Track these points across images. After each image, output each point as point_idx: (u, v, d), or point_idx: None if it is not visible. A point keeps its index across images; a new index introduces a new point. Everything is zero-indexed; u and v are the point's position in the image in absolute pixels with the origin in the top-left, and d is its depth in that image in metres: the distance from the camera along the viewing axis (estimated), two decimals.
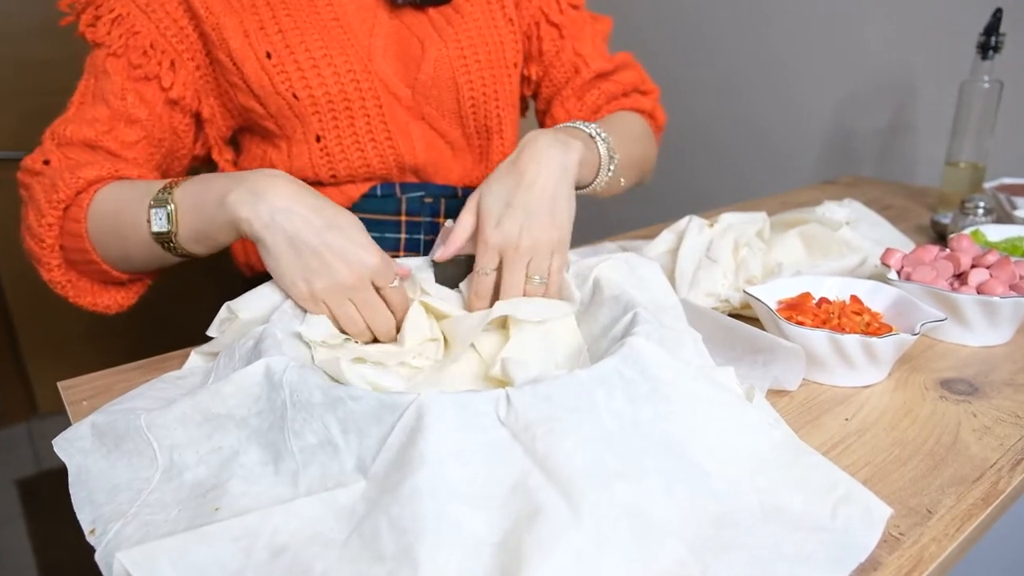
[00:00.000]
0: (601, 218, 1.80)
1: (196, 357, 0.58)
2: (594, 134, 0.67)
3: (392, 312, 0.56)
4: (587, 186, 0.68)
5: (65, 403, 0.53)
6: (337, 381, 0.45)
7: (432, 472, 0.37)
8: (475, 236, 0.59)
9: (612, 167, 0.69)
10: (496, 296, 0.58)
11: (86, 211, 0.60)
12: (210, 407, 0.44)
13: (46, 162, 0.63)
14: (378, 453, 0.40)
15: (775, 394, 0.54)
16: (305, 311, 0.54)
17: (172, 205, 0.56)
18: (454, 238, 0.60)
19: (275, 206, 0.52)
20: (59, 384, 0.56)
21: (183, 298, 1.48)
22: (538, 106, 0.91)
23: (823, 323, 0.57)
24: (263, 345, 0.48)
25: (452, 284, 0.62)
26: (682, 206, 1.27)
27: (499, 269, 0.58)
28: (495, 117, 0.82)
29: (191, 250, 0.58)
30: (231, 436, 0.44)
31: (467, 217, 0.59)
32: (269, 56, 0.69)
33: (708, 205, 1.44)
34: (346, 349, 0.55)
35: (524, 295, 0.57)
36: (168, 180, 0.59)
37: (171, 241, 0.57)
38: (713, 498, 0.40)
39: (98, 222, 0.60)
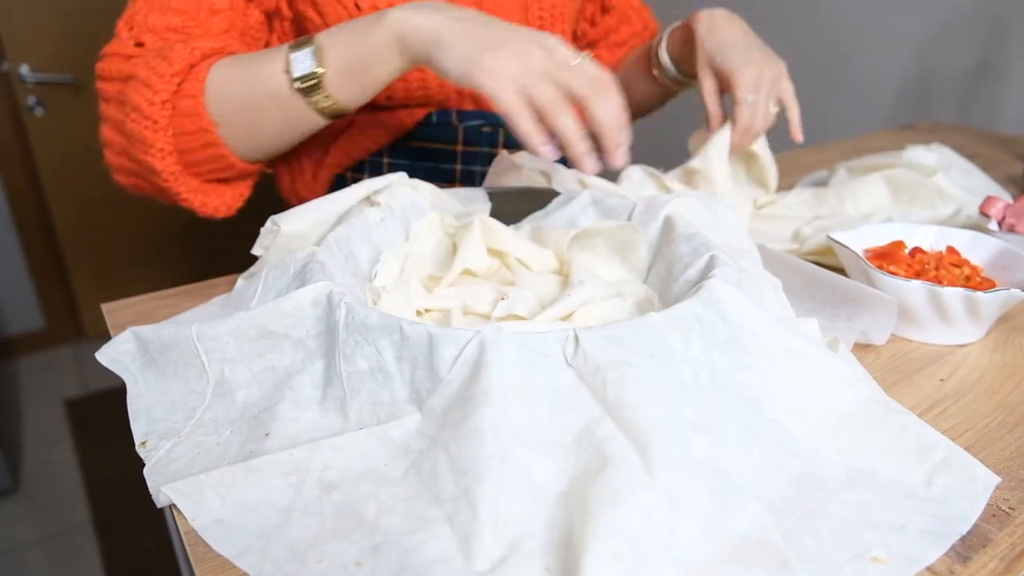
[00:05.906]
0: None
1: (243, 283, 0.55)
2: None
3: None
4: None
5: (108, 326, 0.52)
6: None
7: (496, 412, 0.33)
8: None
9: None
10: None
11: (203, 84, 0.54)
12: (267, 324, 0.42)
13: (139, 44, 0.57)
14: (436, 386, 0.37)
15: (860, 349, 0.49)
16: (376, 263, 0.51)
17: (314, 44, 0.52)
18: (713, 106, 0.70)
19: (446, 11, 0.50)
20: (103, 306, 0.55)
21: (228, 228, 1.48)
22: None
23: (917, 275, 0.51)
24: (311, 267, 0.45)
25: (507, 221, 0.58)
26: None
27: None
28: None
29: (339, 94, 0.53)
30: (286, 357, 0.42)
31: (706, 81, 0.69)
32: None
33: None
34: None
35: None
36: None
37: (317, 85, 0.52)
38: (793, 457, 0.37)
39: (219, 90, 0.54)
